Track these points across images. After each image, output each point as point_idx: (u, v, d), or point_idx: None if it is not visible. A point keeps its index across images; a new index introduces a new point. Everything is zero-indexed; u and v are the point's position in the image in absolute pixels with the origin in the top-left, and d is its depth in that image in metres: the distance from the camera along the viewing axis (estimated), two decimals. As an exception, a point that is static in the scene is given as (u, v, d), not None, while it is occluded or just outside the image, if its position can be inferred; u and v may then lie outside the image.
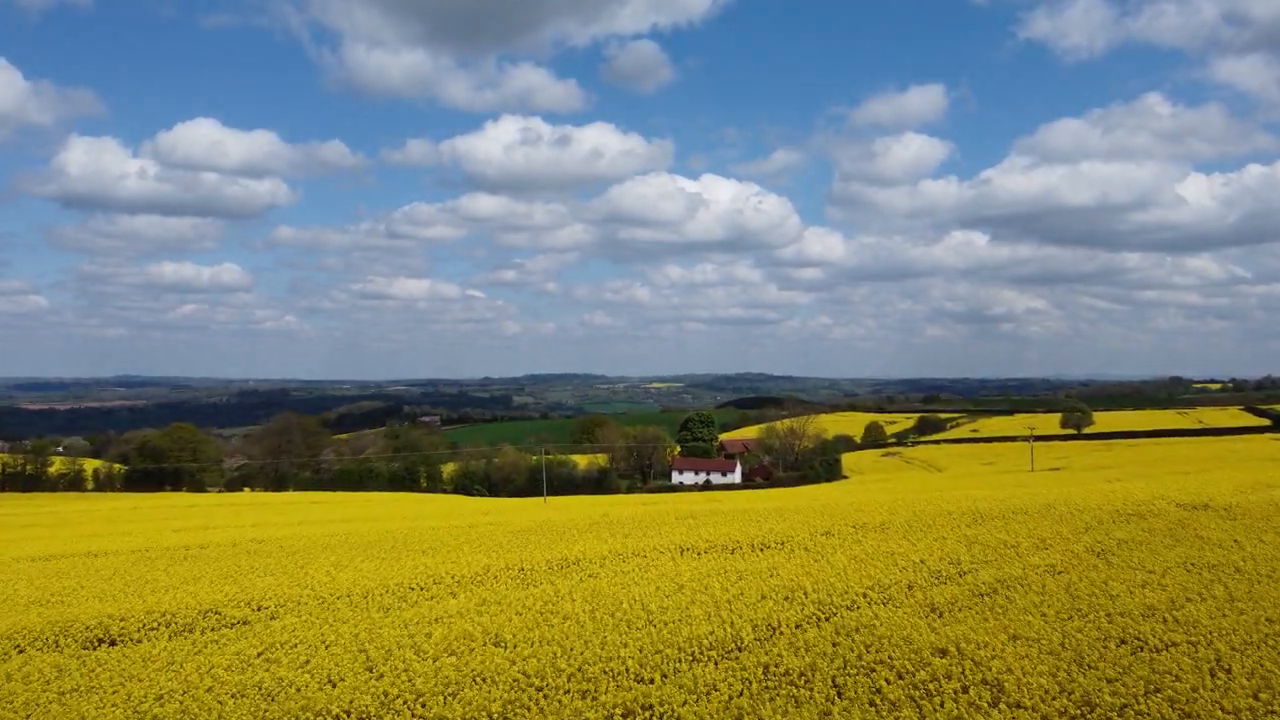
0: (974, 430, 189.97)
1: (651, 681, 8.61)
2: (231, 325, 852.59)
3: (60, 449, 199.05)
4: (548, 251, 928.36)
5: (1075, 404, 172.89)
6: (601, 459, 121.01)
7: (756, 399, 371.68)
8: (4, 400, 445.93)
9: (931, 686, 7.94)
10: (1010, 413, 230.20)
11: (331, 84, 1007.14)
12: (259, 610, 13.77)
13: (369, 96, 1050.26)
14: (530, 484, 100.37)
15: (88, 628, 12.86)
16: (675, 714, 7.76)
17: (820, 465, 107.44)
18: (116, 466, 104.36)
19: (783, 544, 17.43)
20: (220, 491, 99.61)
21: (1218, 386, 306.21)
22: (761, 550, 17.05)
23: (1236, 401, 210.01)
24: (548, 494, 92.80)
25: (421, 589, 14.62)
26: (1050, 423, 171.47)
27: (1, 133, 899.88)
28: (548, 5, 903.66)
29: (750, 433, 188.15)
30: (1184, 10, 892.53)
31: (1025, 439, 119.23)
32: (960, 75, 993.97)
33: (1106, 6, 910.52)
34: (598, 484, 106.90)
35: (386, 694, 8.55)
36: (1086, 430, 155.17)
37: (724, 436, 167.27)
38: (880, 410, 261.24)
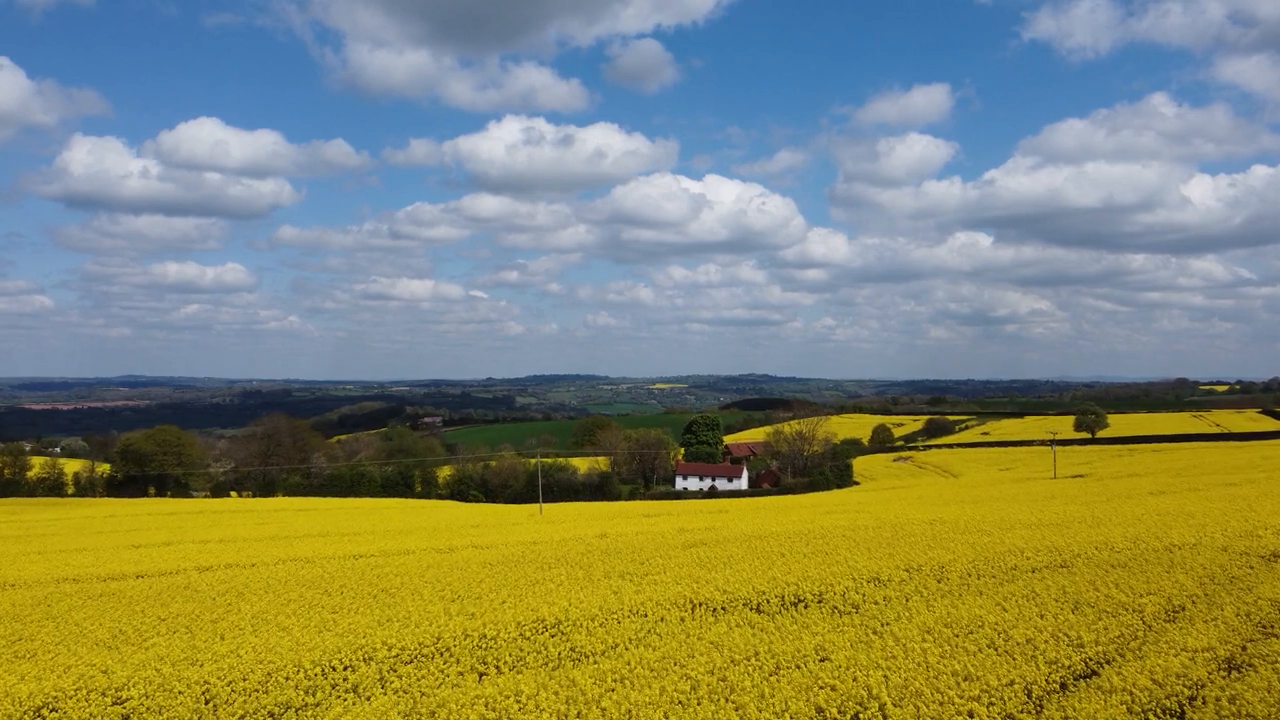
0: (984, 433, 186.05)
1: None
2: (235, 325, 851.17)
3: (58, 449, 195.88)
4: (551, 252, 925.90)
5: (1089, 406, 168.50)
6: (603, 463, 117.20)
7: (760, 400, 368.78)
8: (9, 400, 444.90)
9: None
10: (1020, 415, 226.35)
11: (334, 84, 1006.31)
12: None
13: (372, 96, 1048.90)
14: (528, 489, 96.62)
15: None
16: None
17: (831, 471, 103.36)
18: (100, 470, 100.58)
19: (821, 598, 13.64)
20: (206, 497, 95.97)
21: (1225, 388, 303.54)
22: (796, 607, 13.26)
23: (1248, 404, 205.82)
24: (546, 501, 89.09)
25: (343, 669, 10.85)
26: (1062, 425, 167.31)
27: (6, 133, 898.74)
28: (550, 5, 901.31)
29: (756, 435, 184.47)
30: (1189, 10, 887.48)
31: (1042, 443, 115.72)
32: (965, 75, 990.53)
33: (1111, 6, 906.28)
34: (598, 489, 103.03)
35: None
36: (1101, 433, 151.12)
37: (729, 439, 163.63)
38: (886, 412, 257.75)
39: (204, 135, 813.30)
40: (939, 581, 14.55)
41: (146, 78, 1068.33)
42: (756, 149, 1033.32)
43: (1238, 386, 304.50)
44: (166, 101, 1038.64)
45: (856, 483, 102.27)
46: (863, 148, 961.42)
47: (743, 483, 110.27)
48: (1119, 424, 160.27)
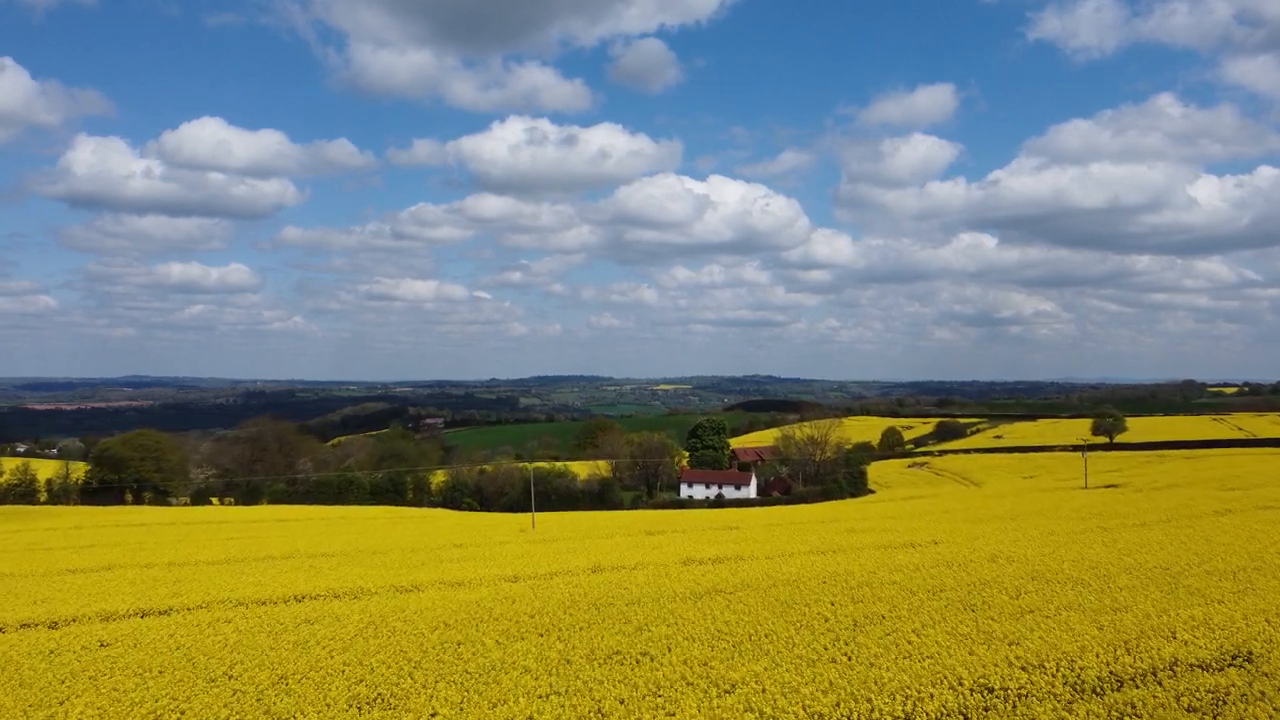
0: (997, 437, 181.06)
1: None
2: (239, 326, 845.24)
3: (55, 450, 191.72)
4: (554, 253, 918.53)
5: (1107, 409, 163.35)
6: (604, 467, 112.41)
7: (765, 402, 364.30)
8: (12, 400, 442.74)
9: None
10: (1032, 417, 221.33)
11: (337, 84, 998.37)
12: None
13: (375, 96, 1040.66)
14: (525, 496, 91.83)
15: None
16: None
17: (844, 478, 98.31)
18: (74, 476, 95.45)
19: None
20: (185, 504, 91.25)
21: (1234, 390, 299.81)
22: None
23: (1261, 406, 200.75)
24: (544, 509, 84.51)
25: None
26: (1078, 429, 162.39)
27: (10, 133, 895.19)
28: (553, 5, 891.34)
29: (762, 438, 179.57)
30: (1196, 10, 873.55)
31: (1064, 449, 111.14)
32: (969, 75, 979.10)
33: (1117, 6, 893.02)
34: (599, 497, 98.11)
35: None
36: (1120, 437, 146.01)
37: (734, 443, 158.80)
38: (894, 414, 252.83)
39: (207, 135, 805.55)
40: (1081, 694, 9.75)
41: (149, 78, 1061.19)
42: (760, 149, 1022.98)
43: (1246, 388, 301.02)
44: (169, 101, 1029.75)
45: (871, 490, 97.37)
46: (867, 148, 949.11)
47: (751, 490, 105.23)
48: (1137, 427, 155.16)
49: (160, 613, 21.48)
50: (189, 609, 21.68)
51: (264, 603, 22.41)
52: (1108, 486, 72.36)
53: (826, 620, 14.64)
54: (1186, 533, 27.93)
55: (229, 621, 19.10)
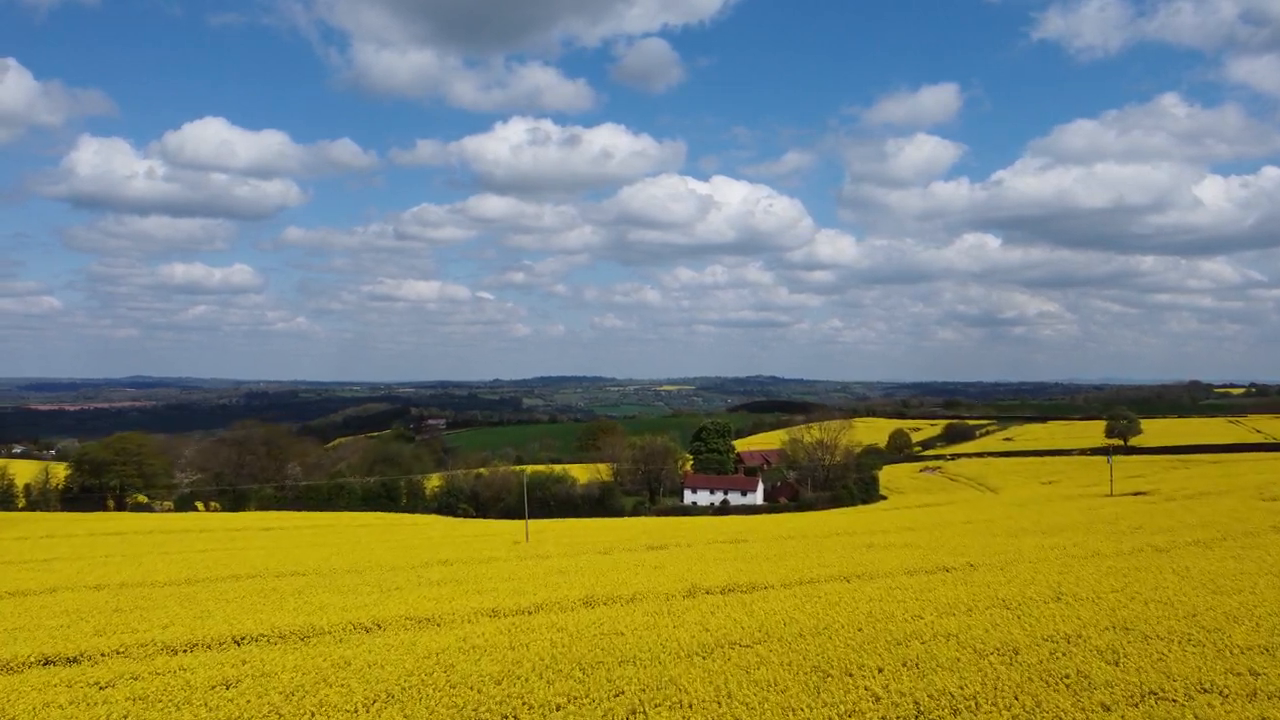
0: (1006, 439, 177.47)
1: None
2: (242, 326, 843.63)
3: (53, 451, 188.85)
4: (557, 253, 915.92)
5: (1121, 411, 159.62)
6: (605, 471, 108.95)
7: (769, 403, 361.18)
8: (15, 401, 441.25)
9: None
10: (1042, 419, 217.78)
11: (339, 84, 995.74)
12: None
13: (377, 97, 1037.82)
14: (523, 501, 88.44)
15: None
16: None
17: (855, 484, 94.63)
18: (54, 480, 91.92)
19: None
20: (170, 510, 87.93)
21: (1240, 391, 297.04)
22: None
23: (1269, 408, 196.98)
24: (544, 515, 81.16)
25: None
26: (1090, 431, 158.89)
27: (12, 133, 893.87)
28: (555, 4, 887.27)
29: (768, 440, 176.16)
30: (1200, 9, 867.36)
31: (1080, 452, 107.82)
32: (973, 75, 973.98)
33: (1121, 6, 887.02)
34: (599, 502, 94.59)
35: None
36: (1135, 440, 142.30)
37: (739, 444, 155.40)
38: (900, 415, 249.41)
39: (209, 135, 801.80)
40: None
41: (151, 78, 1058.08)
42: (764, 150, 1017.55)
43: (1253, 389, 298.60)
44: (171, 101, 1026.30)
45: (884, 496, 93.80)
46: (870, 148, 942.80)
47: (757, 496, 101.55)
48: (1151, 430, 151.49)
49: (67, 660, 18.09)
50: (101, 656, 18.30)
51: (193, 647, 18.99)
52: (1135, 494, 68.67)
53: (878, 701, 11.19)
54: (1260, 556, 24.45)
55: (135, 679, 15.71)
